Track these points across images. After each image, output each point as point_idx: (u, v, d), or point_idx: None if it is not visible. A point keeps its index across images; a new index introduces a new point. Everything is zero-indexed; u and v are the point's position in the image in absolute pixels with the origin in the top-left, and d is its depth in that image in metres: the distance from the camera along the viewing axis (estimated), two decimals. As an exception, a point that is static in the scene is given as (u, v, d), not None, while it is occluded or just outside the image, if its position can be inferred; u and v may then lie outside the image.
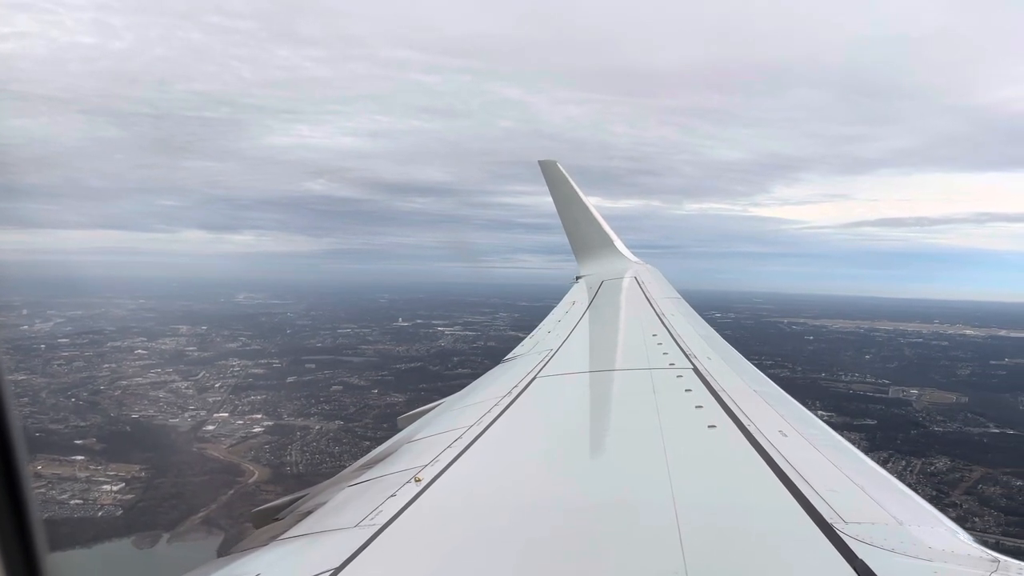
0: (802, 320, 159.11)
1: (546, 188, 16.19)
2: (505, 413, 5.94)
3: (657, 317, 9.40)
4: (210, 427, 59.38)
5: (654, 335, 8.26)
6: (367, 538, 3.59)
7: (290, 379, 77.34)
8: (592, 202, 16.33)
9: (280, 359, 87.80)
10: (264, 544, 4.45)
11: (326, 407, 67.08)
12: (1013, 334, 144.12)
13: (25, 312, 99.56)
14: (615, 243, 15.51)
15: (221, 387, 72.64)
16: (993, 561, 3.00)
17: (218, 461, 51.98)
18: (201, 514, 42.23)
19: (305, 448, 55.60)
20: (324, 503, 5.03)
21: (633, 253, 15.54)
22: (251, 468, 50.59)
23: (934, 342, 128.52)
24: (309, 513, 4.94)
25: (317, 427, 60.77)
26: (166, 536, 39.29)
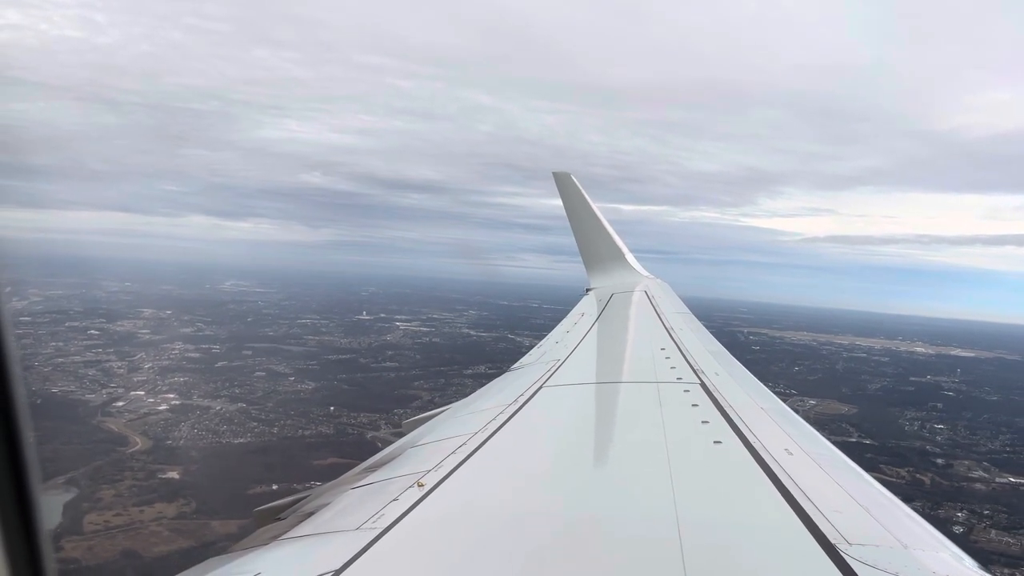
0: (765, 331, 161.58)
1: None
2: (510, 422, 5.97)
3: (666, 331, 9.42)
4: (120, 403, 64.83)
5: (662, 349, 8.28)
6: (368, 541, 3.64)
7: (219, 364, 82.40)
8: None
9: (222, 345, 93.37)
10: (265, 543, 4.54)
11: (237, 391, 72.11)
12: (963, 353, 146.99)
13: (8, 290, 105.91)
14: (626, 257, 15.61)
15: (151, 368, 78.40)
16: None
17: (111, 433, 57.31)
18: (68, 475, 47.88)
19: (195, 426, 60.78)
20: (326, 504, 5.14)
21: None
22: (137, 440, 56.18)
23: (875, 358, 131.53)
24: (311, 514, 5.04)
25: (218, 408, 66.13)
26: (25, 492, 45.08)
